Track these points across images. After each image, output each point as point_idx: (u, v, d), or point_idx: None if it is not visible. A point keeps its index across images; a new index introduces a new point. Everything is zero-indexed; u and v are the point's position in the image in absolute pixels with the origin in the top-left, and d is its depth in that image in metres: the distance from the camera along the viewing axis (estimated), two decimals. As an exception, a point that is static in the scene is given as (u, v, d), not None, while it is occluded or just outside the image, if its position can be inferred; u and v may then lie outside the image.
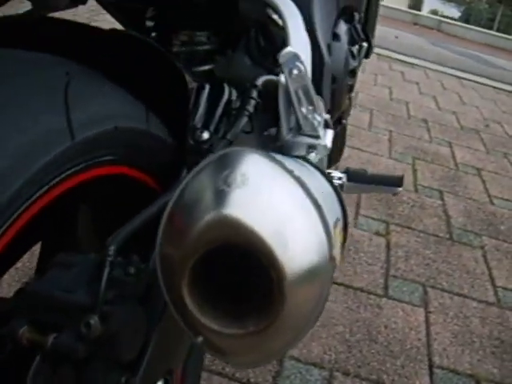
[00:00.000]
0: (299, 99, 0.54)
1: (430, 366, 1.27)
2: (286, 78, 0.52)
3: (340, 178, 1.01)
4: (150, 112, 0.57)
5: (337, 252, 0.43)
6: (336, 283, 1.48)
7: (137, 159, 0.58)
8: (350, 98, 1.36)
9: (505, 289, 1.63)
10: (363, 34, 1.55)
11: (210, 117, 0.66)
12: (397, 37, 6.39)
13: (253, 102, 0.70)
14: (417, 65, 4.30)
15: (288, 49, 0.52)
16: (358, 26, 1.24)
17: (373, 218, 1.85)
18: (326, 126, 0.59)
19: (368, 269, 1.57)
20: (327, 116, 0.63)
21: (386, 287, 1.51)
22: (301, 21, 0.65)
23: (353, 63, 1.17)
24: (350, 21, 1.20)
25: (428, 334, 1.37)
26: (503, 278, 1.68)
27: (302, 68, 0.52)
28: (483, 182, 2.39)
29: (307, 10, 0.95)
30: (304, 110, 0.56)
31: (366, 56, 1.57)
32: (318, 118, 0.57)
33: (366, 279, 1.52)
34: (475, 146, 2.81)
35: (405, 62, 4.29)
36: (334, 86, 1.09)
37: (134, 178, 0.60)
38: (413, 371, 1.24)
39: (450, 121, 3.12)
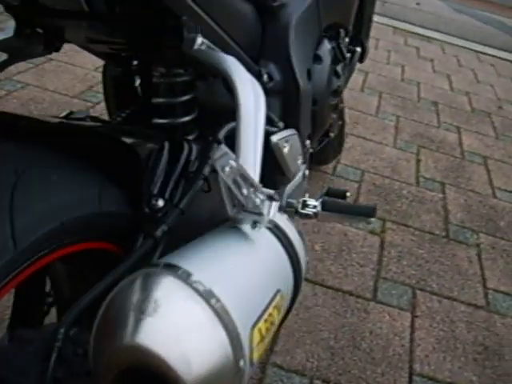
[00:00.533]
0: (238, 185, 0.58)
1: (410, 374, 1.32)
2: (220, 173, 0.55)
3: (315, 207, 1.04)
4: (102, 191, 0.61)
5: (253, 355, 0.47)
6: (326, 286, 1.52)
7: (92, 235, 0.62)
8: (341, 111, 1.37)
9: (495, 291, 1.65)
10: (356, 40, 1.54)
11: (166, 182, 0.69)
12: (418, 3, 6.21)
13: (210, 162, 0.74)
14: (434, 38, 4.20)
15: (220, 148, 0.55)
16: (344, 42, 1.24)
17: (369, 215, 1.87)
18: (271, 199, 0.62)
19: (359, 271, 1.61)
20: (270, 191, 0.65)
21: (375, 290, 1.55)
22: (251, 88, 0.67)
23: (336, 83, 1.18)
24: (335, 38, 1.20)
25: (412, 340, 1.41)
26: (495, 280, 1.70)
27: (234, 164, 0.55)
28: (488, 171, 2.38)
29: (284, 38, 0.96)
30: (245, 191, 0.59)
31: (361, 60, 1.57)
32: (261, 196, 0.60)
33: (356, 282, 1.56)
34: (484, 131, 2.78)
35: (422, 35, 4.19)
36: (315, 107, 1.11)
37: (95, 248, 0.64)
38: (392, 379, 1.29)
39: (461, 103, 3.08)
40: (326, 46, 1.15)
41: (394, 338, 1.40)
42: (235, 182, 0.57)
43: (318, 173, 2.06)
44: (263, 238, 0.64)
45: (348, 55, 1.46)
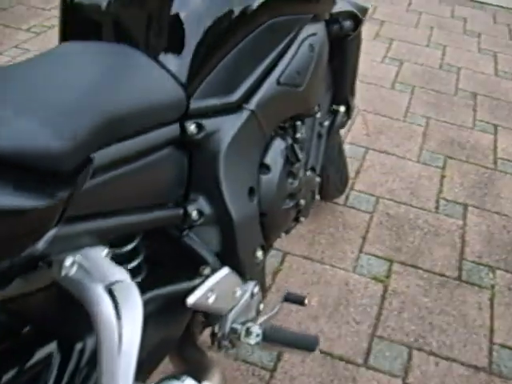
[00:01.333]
0: None
1: None
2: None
3: (258, 336, 1.03)
4: None
5: None
6: (316, 350, 1.51)
7: None
8: (312, 191, 1.31)
9: (502, 346, 1.57)
10: (340, 98, 1.46)
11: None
12: None
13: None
14: (488, 4, 3.84)
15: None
16: (303, 136, 1.16)
17: (376, 256, 1.81)
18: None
19: (354, 329, 1.58)
20: None
21: (367, 352, 1.52)
22: (115, 333, 0.66)
23: (291, 186, 1.13)
24: (291, 133, 1.14)
25: (398, 415, 1.39)
26: (504, 332, 1.61)
27: None
28: (521, 185, 2.21)
29: (213, 169, 0.91)
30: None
31: (348, 117, 1.50)
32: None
33: (349, 343, 1.54)
34: (527, 128, 2.57)
35: (474, 1, 3.84)
36: (264, 219, 1.07)
37: None
38: None
39: (504, 91, 2.84)
40: (277, 149, 1.08)
41: (379, 413, 1.39)
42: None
43: (328, 204, 2.01)
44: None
45: (326, 123, 1.39)
